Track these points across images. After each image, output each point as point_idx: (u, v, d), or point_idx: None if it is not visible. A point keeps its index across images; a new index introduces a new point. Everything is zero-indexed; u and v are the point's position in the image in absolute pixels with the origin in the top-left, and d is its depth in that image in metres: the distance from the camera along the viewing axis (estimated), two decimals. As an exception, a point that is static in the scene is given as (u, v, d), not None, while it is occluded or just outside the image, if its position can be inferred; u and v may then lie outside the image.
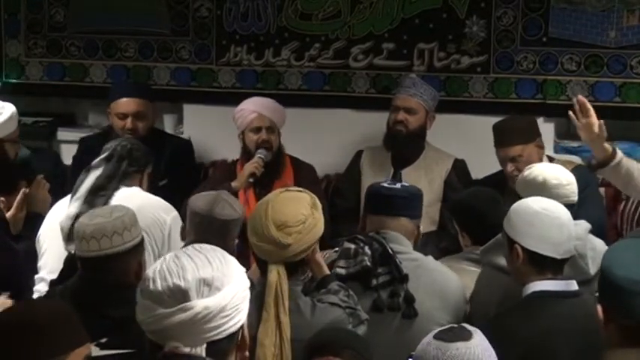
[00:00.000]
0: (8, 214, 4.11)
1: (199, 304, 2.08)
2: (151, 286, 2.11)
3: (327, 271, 3.24)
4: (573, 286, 3.15)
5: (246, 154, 4.89)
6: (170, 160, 5.10)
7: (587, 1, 5.17)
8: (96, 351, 2.83)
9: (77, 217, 3.60)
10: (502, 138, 4.62)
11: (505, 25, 5.30)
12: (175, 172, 5.07)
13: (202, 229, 3.52)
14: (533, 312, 3.07)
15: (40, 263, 4.09)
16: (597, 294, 2.55)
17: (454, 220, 4.07)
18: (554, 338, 2.98)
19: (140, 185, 4.15)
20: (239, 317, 2.15)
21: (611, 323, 2.45)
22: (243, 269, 2.22)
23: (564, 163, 4.78)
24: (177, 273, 2.11)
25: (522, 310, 3.11)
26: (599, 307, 2.46)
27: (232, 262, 2.19)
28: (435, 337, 2.35)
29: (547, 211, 3.17)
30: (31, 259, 4.00)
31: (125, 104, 5.06)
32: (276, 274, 3.00)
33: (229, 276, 2.14)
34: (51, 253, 4.04)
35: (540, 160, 4.62)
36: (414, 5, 5.39)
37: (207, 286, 2.10)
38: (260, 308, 2.97)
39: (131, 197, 3.98)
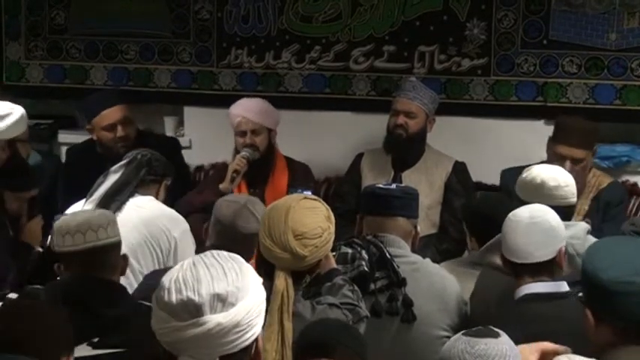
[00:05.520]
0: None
1: (212, 320, 2.05)
2: (166, 297, 2.07)
3: (335, 265, 3.22)
4: (563, 287, 3.17)
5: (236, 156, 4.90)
6: None
7: (588, 4, 5.16)
8: (88, 350, 2.84)
9: None
10: (570, 137, 4.55)
11: (506, 28, 5.29)
12: None
13: (224, 237, 3.52)
14: (523, 314, 3.08)
15: None
16: (583, 297, 2.55)
17: (465, 223, 4.11)
18: (545, 340, 2.98)
19: (156, 196, 4.15)
20: (253, 331, 2.11)
21: (603, 325, 2.44)
22: (260, 280, 2.18)
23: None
24: (192, 286, 2.07)
25: (513, 312, 3.12)
26: (586, 311, 2.45)
27: (249, 273, 2.14)
28: (464, 334, 2.36)
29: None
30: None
31: (110, 114, 4.94)
32: (283, 281, 2.96)
33: (245, 290, 2.10)
34: None
35: (590, 169, 4.65)
36: (415, 7, 5.39)
37: (221, 301, 2.05)
38: (264, 312, 2.96)
39: (143, 205, 4.01)
